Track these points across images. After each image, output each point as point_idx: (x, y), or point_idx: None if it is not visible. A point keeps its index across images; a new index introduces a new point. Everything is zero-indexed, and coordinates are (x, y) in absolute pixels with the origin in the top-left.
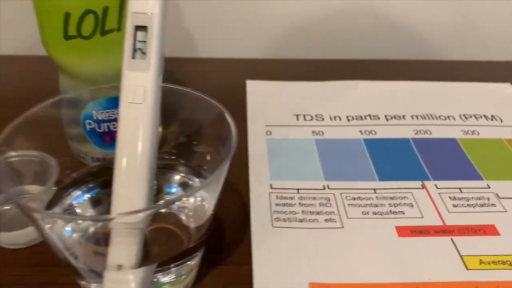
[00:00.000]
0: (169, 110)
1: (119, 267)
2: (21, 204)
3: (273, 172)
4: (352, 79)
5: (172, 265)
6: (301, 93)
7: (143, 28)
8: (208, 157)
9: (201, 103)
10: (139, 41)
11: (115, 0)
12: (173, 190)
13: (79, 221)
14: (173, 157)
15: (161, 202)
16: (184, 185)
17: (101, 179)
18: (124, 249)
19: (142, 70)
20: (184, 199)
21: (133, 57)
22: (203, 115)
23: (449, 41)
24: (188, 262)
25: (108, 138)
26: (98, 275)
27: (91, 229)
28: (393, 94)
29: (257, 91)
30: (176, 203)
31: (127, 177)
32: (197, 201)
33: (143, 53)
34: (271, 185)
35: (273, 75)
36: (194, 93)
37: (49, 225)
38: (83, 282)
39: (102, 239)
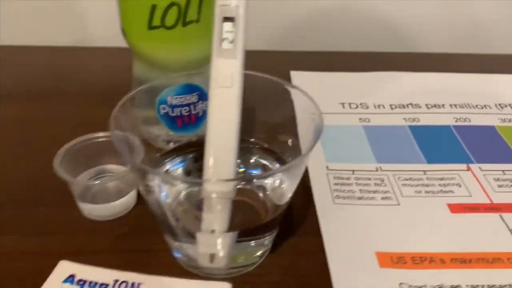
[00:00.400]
0: (255, 97)
1: (212, 231)
2: (143, 167)
3: (328, 155)
4: (386, 70)
5: (251, 237)
6: (343, 83)
7: (230, 19)
8: (290, 143)
9: (285, 91)
10: (226, 31)
11: None
12: (254, 172)
13: (186, 184)
14: (256, 140)
15: (249, 175)
16: (264, 168)
17: (188, 154)
18: (217, 216)
19: (230, 58)
20: (267, 177)
21: (221, 46)
22: (288, 103)
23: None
24: (266, 234)
25: (180, 122)
26: (192, 236)
27: (181, 195)
28: (430, 85)
29: (302, 82)
30: (258, 180)
31: (218, 152)
32: (276, 182)
33: (230, 42)
34: (327, 167)
35: (312, 66)
36: (279, 81)
37: (164, 187)
38: (176, 243)
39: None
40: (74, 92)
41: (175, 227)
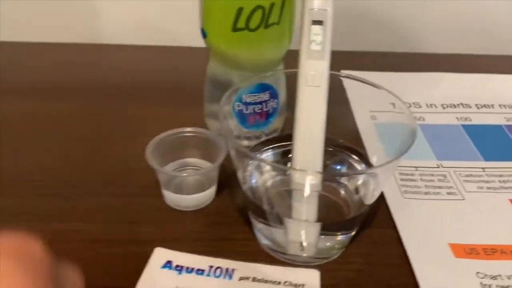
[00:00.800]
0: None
1: (304, 220)
2: (248, 153)
3: (389, 152)
4: (431, 71)
5: (335, 231)
6: (392, 83)
7: (318, 22)
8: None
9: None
10: (314, 33)
11: None
12: (338, 167)
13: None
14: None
15: (337, 171)
16: (350, 168)
17: (271, 149)
18: (307, 207)
19: (319, 59)
20: (362, 174)
21: (310, 48)
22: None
23: None
24: (349, 230)
25: (252, 119)
26: (281, 223)
27: (275, 183)
28: (477, 85)
29: (352, 81)
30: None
31: (306, 147)
32: (359, 184)
33: (318, 44)
34: None
35: (361, 66)
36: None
37: (260, 174)
38: (266, 230)
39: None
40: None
41: (268, 213)
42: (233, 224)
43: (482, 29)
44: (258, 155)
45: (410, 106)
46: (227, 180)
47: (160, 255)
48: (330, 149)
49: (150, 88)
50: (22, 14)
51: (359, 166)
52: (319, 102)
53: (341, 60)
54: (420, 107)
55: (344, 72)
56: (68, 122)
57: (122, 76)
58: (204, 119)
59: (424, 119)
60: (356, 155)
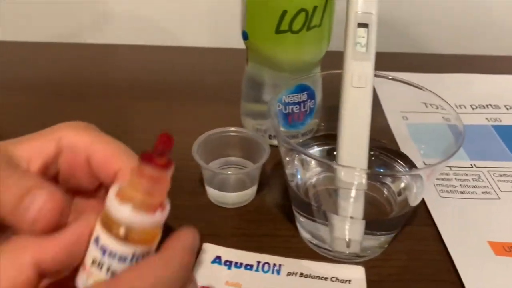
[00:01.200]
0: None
1: (351, 218)
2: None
3: (423, 152)
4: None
5: (380, 230)
6: (421, 83)
7: (364, 25)
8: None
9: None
10: (359, 36)
11: (322, 0)
12: (381, 170)
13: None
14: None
15: (383, 171)
16: (391, 168)
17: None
18: (353, 205)
19: (364, 60)
20: (409, 175)
21: (355, 49)
22: (410, 105)
23: None
24: (392, 230)
25: (290, 118)
26: (327, 219)
27: (313, 180)
28: (504, 86)
29: (380, 82)
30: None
31: (351, 147)
32: (402, 186)
33: (363, 46)
34: (424, 162)
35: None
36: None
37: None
38: (311, 226)
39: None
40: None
41: (314, 210)
42: (275, 221)
43: (508, 30)
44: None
45: (438, 107)
46: (267, 179)
47: (209, 250)
48: (373, 151)
49: (186, 88)
50: (34, 15)
51: (403, 168)
52: (365, 103)
53: None
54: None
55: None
56: (113, 122)
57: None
58: (240, 117)
59: (450, 120)
60: (398, 158)
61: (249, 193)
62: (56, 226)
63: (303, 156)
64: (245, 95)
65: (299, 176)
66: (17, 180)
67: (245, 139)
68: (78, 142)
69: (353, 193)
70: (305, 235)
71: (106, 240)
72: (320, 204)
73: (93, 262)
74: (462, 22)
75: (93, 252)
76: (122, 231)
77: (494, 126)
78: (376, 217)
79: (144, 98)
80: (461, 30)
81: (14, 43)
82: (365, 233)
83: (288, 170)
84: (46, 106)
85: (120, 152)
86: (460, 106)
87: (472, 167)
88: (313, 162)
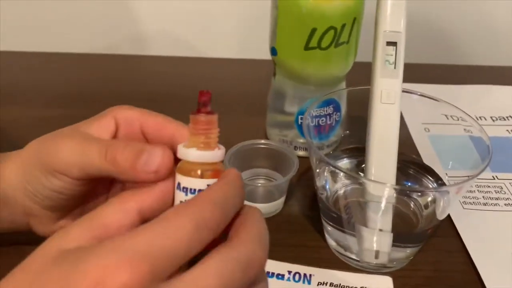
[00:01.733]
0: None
1: (380, 230)
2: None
3: (444, 163)
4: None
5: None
6: (439, 95)
7: (392, 43)
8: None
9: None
10: (388, 54)
11: (351, 17)
12: (409, 184)
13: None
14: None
15: (412, 186)
16: (421, 184)
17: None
18: (382, 217)
19: (393, 77)
20: (438, 191)
21: (384, 67)
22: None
23: None
24: (419, 242)
25: (316, 131)
26: (355, 230)
27: (341, 192)
28: None
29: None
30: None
31: (380, 160)
32: (429, 200)
33: (391, 63)
34: (446, 174)
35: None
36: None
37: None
38: (341, 237)
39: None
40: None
41: (343, 221)
42: (304, 231)
43: None
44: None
45: (459, 119)
46: (293, 189)
47: None
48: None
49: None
50: (69, 26)
51: (430, 183)
52: (394, 118)
53: None
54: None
55: None
56: None
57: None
58: (266, 128)
59: (471, 132)
60: (423, 171)
61: (277, 204)
62: (169, 175)
63: (333, 168)
64: (271, 106)
65: (328, 187)
66: (124, 147)
67: (274, 151)
68: (131, 116)
69: (382, 206)
70: (333, 245)
71: (185, 181)
72: (350, 215)
73: (180, 202)
74: (484, 33)
75: (178, 196)
76: (195, 169)
77: None
78: (403, 229)
79: (173, 108)
80: (483, 40)
81: (48, 54)
82: (393, 245)
83: (318, 181)
84: (77, 117)
85: (168, 120)
86: (480, 117)
87: (494, 179)
88: (342, 174)
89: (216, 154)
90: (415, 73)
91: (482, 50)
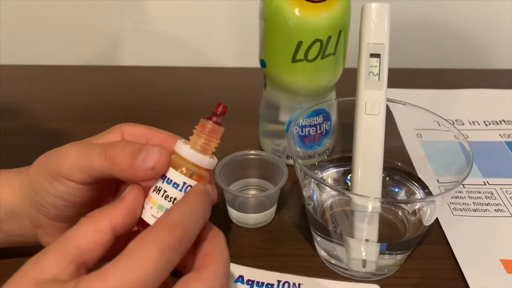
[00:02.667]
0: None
1: (366, 240)
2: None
3: (436, 169)
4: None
5: (395, 250)
6: (434, 99)
7: (376, 55)
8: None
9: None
10: (372, 65)
11: (336, 30)
12: (396, 190)
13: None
14: (401, 165)
15: (397, 198)
16: (408, 191)
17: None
18: (369, 227)
19: (377, 89)
20: (423, 201)
21: (368, 79)
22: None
23: None
24: (406, 250)
25: (306, 140)
26: (342, 240)
27: (329, 202)
28: None
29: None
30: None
31: (365, 172)
32: (417, 208)
33: (375, 75)
34: (437, 180)
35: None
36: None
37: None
38: (329, 247)
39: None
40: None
41: (332, 232)
42: (294, 240)
43: None
44: (319, 174)
45: (454, 123)
46: (285, 198)
47: (232, 270)
48: (387, 171)
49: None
50: (68, 39)
51: (417, 189)
52: (378, 130)
53: None
54: (463, 124)
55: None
56: None
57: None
58: (259, 138)
59: (467, 137)
60: (412, 178)
61: (269, 213)
62: (164, 172)
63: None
64: (263, 116)
65: (315, 198)
66: (123, 146)
67: (264, 161)
68: (137, 131)
69: (367, 216)
70: (322, 254)
71: (171, 173)
72: (336, 226)
73: (154, 189)
74: (476, 37)
75: (156, 183)
76: (183, 166)
77: (507, 143)
78: (391, 239)
79: (168, 118)
80: (474, 44)
81: (43, 67)
82: (380, 253)
83: (305, 193)
84: (75, 129)
85: (172, 136)
86: (473, 122)
87: (485, 184)
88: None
89: (207, 160)
90: (414, 78)
91: (476, 54)
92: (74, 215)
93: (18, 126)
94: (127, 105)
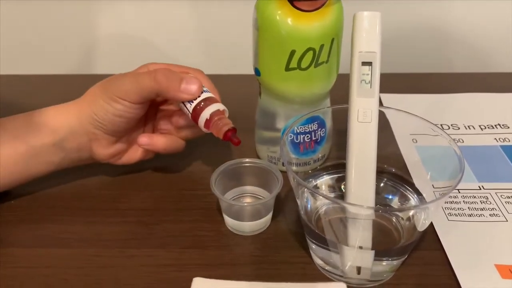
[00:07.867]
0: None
1: (360, 247)
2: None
3: (432, 174)
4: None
5: (390, 256)
6: (430, 104)
7: (368, 63)
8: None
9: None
10: (363, 73)
11: (328, 38)
12: (390, 196)
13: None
14: (396, 170)
15: (396, 206)
16: (402, 197)
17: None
18: (363, 234)
19: (369, 97)
20: (415, 208)
21: (360, 87)
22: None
23: None
24: (402, 255)
25: (302, 147)
26: (337, 247)
27: (323, 210)
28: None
29: (391, 104)
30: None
31: (359, 179)
32: (411, 214)
33: (367, 83)
34: (433, 185)
35: (398, 88)
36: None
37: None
38: (324, 254)
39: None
40: None
41: (326, 239)
42: (290, 248)
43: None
44: (314, 181)
45: (449, 128)
46: (281, 205)
47: (198, 285)
48: (382, 176)
49: None
50: (67, 48)
51: (411, 195)
52: (371, 137)
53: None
54: (459, 128)
55: (383, 95)
56: None
57: None
58: (255, 145)
59: (463, 141)
60: (407, 184)
61: (264, 221)
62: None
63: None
64: (259, 124)
65: (309, 206)
66: (171, 74)
67: (259, 169)
68: (161, 66)
69: (361, 223)
70: (317, 261)
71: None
72: (331, 233)
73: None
74: (474, 40)
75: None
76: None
77: (502, 147)
78: (385, 245)
79: None
80: (472, 48)
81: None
82: (375, 259)
83: (300, 201)
84: None
85: (189, 67)
86: (469, 126)
87: (480, 189)
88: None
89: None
90: (410, 82)
91: (471, 59)
92: (124, 130)
93: None
94: None
